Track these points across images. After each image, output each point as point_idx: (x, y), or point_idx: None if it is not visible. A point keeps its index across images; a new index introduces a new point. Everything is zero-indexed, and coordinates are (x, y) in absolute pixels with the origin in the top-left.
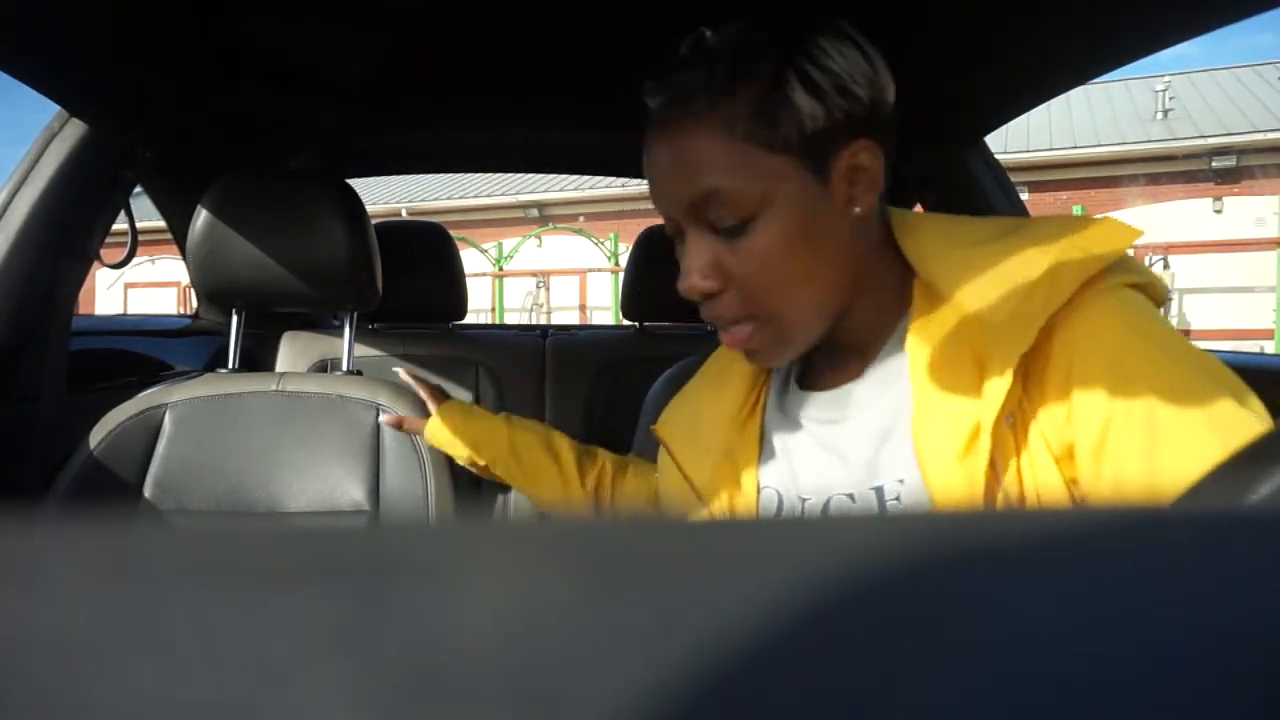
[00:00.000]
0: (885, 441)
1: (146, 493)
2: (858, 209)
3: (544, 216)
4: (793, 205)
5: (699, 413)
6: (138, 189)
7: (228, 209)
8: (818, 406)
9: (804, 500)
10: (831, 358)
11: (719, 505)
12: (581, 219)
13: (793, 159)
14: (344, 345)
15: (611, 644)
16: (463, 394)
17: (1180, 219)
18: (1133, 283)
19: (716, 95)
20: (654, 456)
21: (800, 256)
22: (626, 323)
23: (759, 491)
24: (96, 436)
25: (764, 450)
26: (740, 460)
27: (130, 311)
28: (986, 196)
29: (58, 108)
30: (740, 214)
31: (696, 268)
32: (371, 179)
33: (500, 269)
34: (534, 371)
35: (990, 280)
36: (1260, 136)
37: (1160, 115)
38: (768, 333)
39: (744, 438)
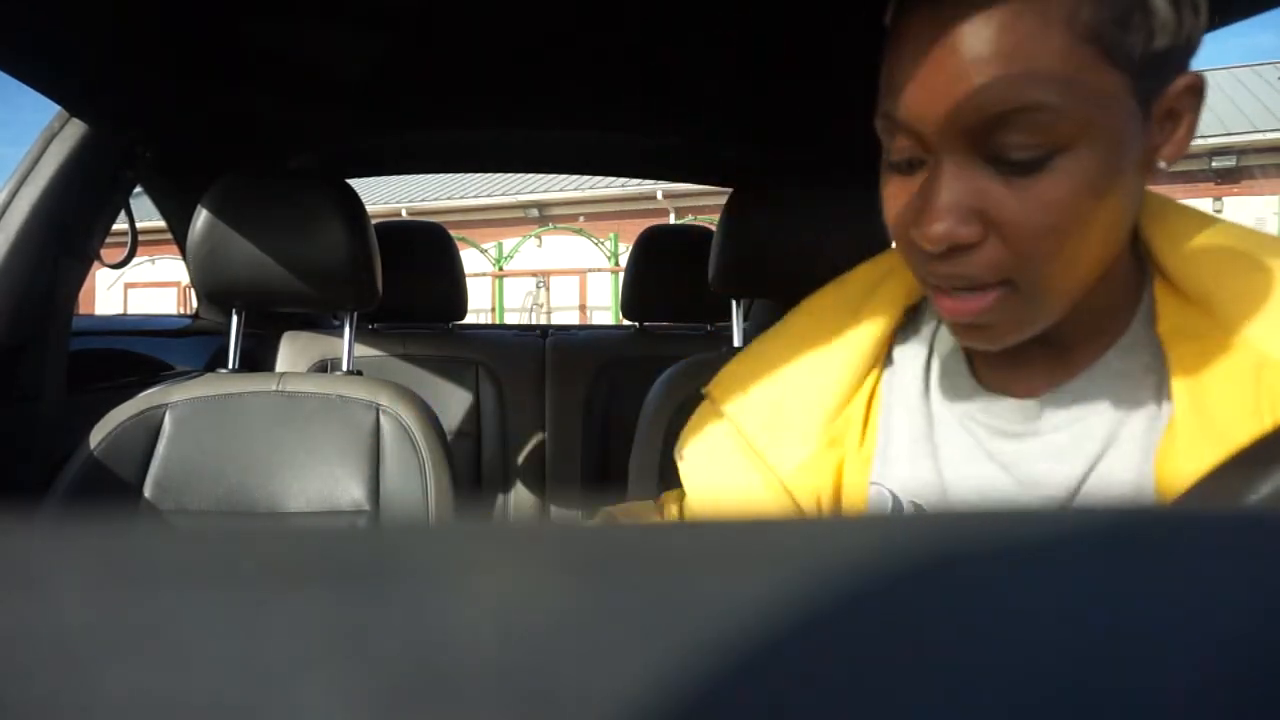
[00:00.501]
0: (1087, 473)
1: (146, 493)
2: (1163, 163)
3: (544, 216)
4: (1111, 141)
5: (787, 394)
6: (138, 189)
7: (228, 209)
8: (993, 412)
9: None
10: (1018, 352)
11: (809, 500)
12: (581, 219)
13: (1129, 79)
14: (344, 345)
15: (611, 644)
16: (463, 394)
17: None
18: None
19: None
20: (654, 459)
21: (1096, 212)
22: (626, 323)
23: (868, 487)
24: (96, 436)
25: (886, 443)
26: (848, 451)
27: (130, 311)
28: None
29: (58, 108)
30: (1047, 143)
31: (954, 207)
32: (371, 179)
33: (500, 269)
34: (534, 371)
35: None
36: (1260, 136)
37: None
38: (1016, 305)
39: (851, 426)
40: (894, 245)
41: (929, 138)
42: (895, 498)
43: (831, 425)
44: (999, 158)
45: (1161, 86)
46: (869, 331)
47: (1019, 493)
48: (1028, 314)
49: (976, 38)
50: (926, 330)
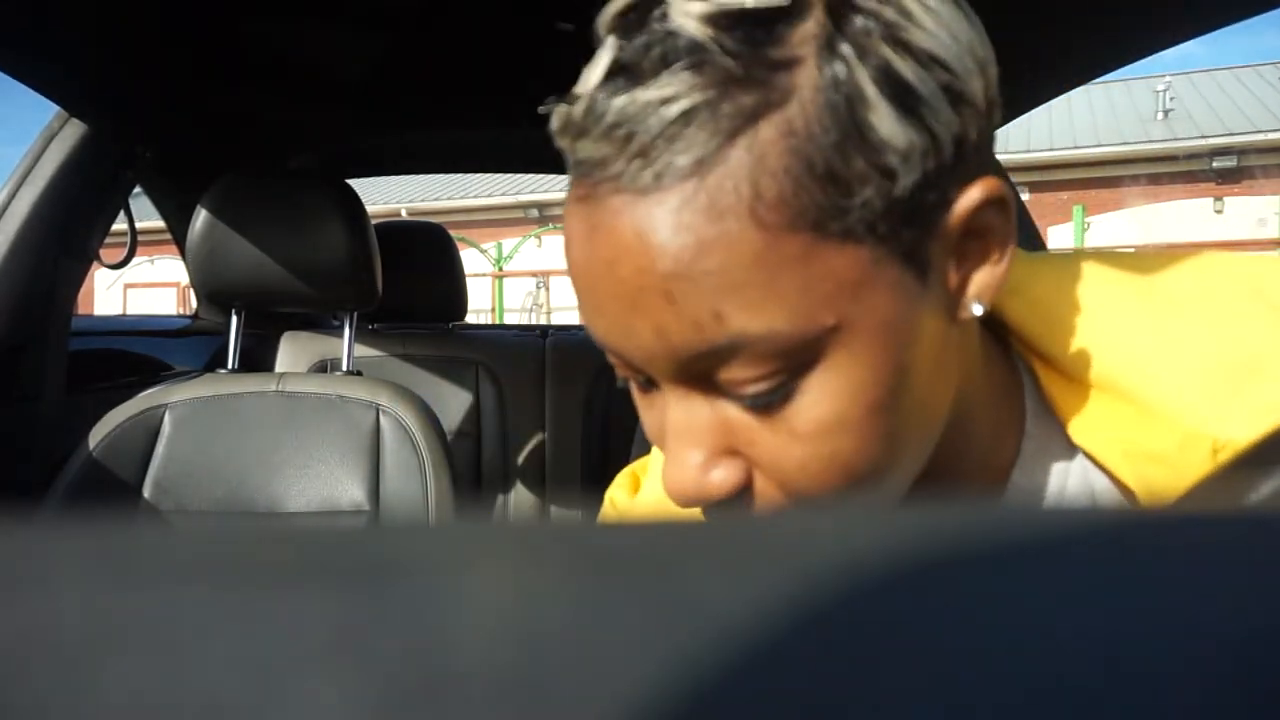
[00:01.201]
0: None
1: (146, 493)
2: (978, 304)
3: (544, 216)
4: (872, 332)
5: None
6: (137, 189)
7: (228, 209)
8: None
9: None
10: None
11: None
12: None
13: (873, 248)
14: (344, 345)
15: (611, 644)
16: (463, 394)
17: (1181, 219)
18: None
19: (721, 134)
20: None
21: (888, 411)
22: None
23: None
24: (96, 437)
25: None
26: None
27: (130, 312)
28: None
29: (58, 108)
30: (780, 370)
31: (693, 456)
32: (371, 179)
33: (500, 269)
34: (534, 371)
35: (1228, 391)
36: (1261, 137)
37: (1161, 115)
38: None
39: None
40: None
41: (641, 370)
42: None
43: None
44: (731, 394)
45: (933, 228)
46: None
47: None
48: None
49: (637, 253)
50: None
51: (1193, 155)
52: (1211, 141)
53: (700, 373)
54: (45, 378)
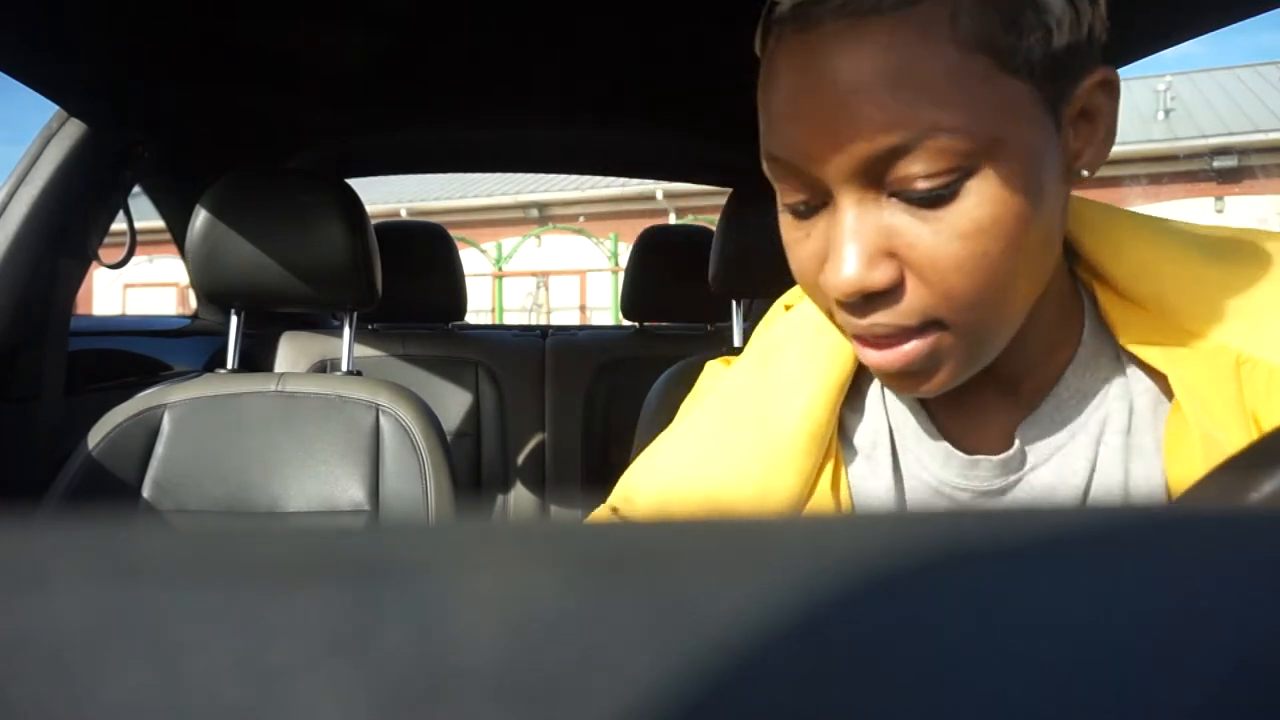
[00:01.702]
0: (1081, 501)
1: (145, 493)
2: (1085, 170)
3: (544, 216)
4: (1023, 156)
5: (717, 488)
6: (137, 189)
7: (227, 209)
8: (974, 476)
9: None
10: (968, 396)
11: None
12: (581, 219)
13: (1031, 86)
14: (344, 345)
15: (611, 644)
16: (462, 394)
17: (1181, 219)
18: None
19: None
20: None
21: (1023, 234)
22: (626, 323)
23: None
24: (95, 437)
25: None
26: None
27: (129, 312)
28: None
29: (57, 108)
30: (953, 169)
31: (861, 253)
32: (371, 179)
33: (500, 269)
34: (534, 371)
35: (1269, 323)
36: (1262, 136)
37: (1161, 115)
38: (951, 346)
39: (821, 510)
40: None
41: (821, 178)
42: None
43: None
44: (904, 191)
45: (1070, 88)
46: (815, 405)
47: None
48: (963, 353)
49: (854, 63)
50: (872, 388)
51: (1193, 155)
52: (1212, 141)
53: (882, 171)
54: (45, 378)
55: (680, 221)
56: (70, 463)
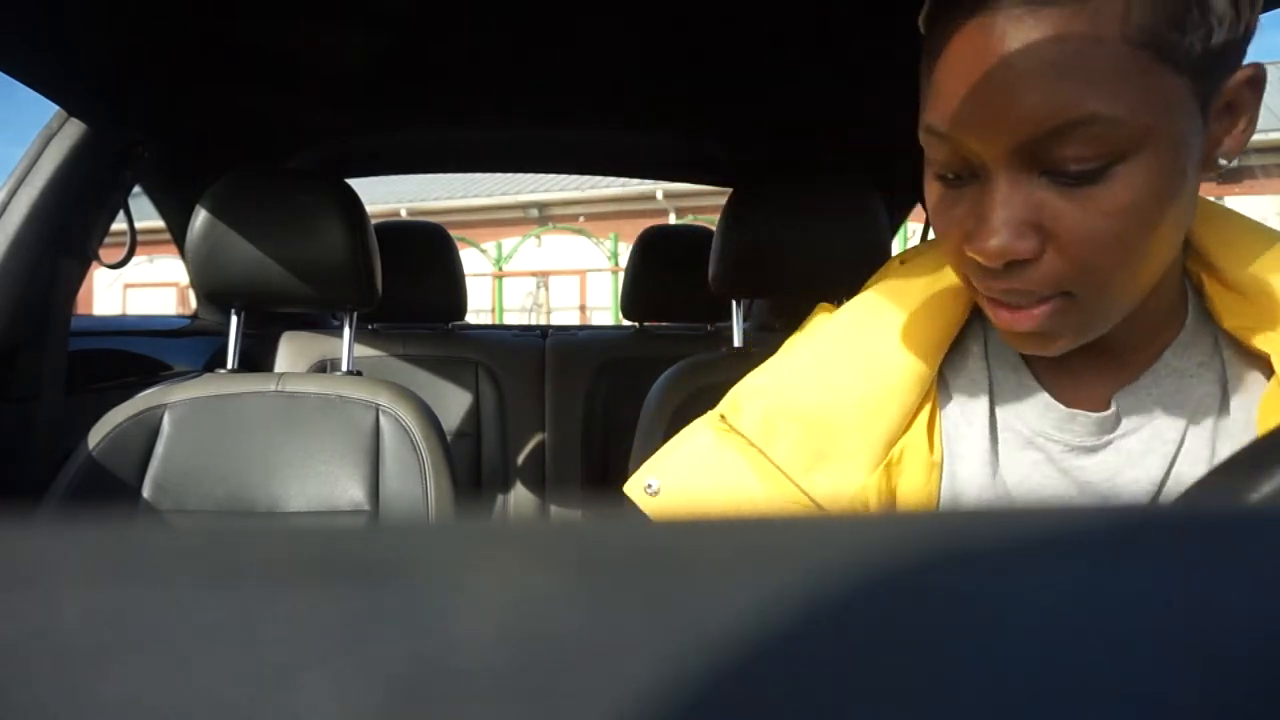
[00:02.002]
0: (1165, 475)
1: (145, 493)
2: (1224, 160)
3: (544, 216)
4: (1172, 145)
5: (828, 416)
6: (137, 189)
7: (227, 209)
8: (1069, 428)
9: None
10: (1074, 360)
11: None
12: (581, 219)
13: (1188, 81)
14: (344, 345)
15: (611, 644)
16: (463, 394)
17: None
18: None
19: None
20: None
21: (1160, 219)
22: (626, 323)
23: None
24: (95, 437)
25: (953, 471)
26: (907, 481)
27: (129, 311)
28: None
29: (57, 108)
30: (1106, 153)
31: (1010, 224)
32: (371, 179)
33: (500, 269)
34: (534, 371)
35: None
36: (1262, 136)
37: None
38: (1074, 314)
39: (910, 455)
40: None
41: (980, 153)
42: None
43: (890, 451)
44: (1055, 170)
45: (1221, 82)
46: (922, 350)
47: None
48: (1086, 322)
49: (1027, 47)
50: (976, 345)
51: None
52: None
53: (1038, 151)
54: (45, 378)
55: (680, 221)
56: (70, 463)
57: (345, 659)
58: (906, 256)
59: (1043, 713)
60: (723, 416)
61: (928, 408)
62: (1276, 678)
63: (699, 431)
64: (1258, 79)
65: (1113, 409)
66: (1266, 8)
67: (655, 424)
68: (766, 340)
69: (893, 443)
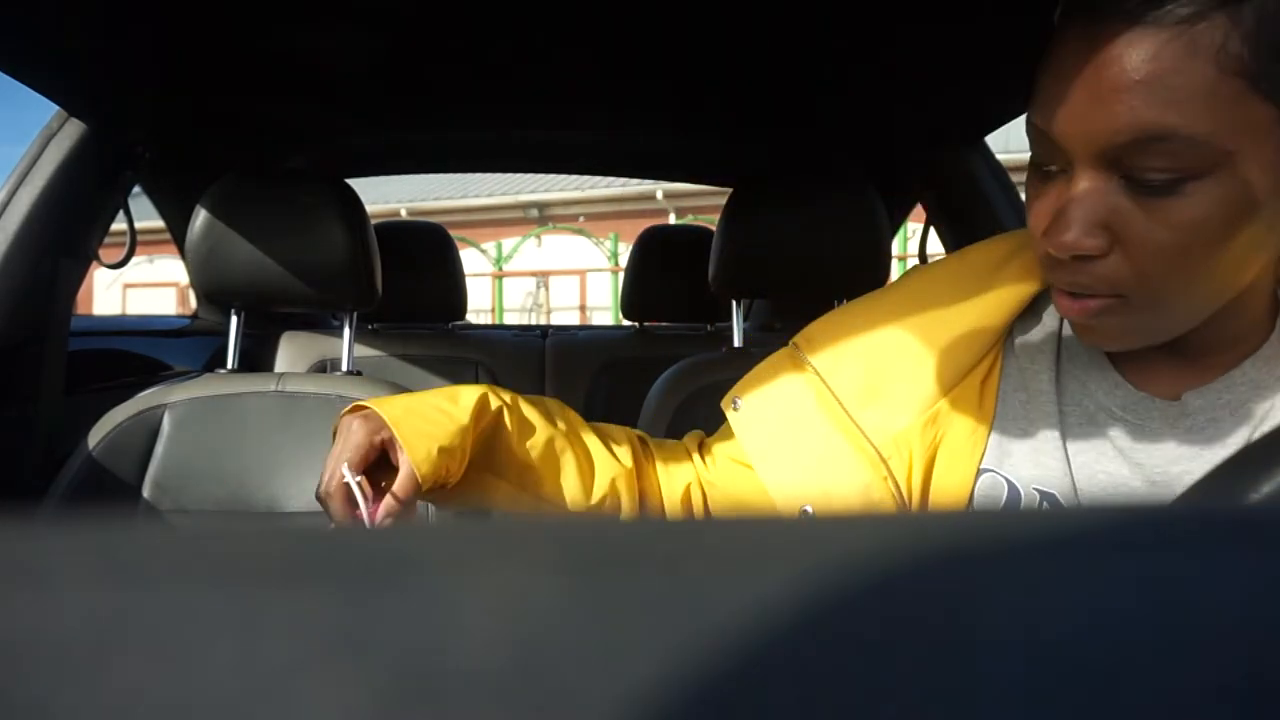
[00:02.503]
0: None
1: (145, 493)
2: None
3: (544, 216)
4: (1252, 172)
5: (891, 358)
6: (137, 189)
7: (227, 209)
8: (1135, 410)
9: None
10: (1145, 354)
11: (901, 468)
12: (581, 219)
13: (1275, 110)
14: (344, 345)
15: (611, 644)
16: None
17: None
18: None
19: (1216, 2)
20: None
21: (1228, 239)
22: (626, 323)
23: (978, 475)
24: (95, 437)
25: (1004, 430)
26: (952, 431)
27: (129, 312)
28: (987, 196)
29: (57, 108)
30: (1182, 169)
31: (1084, 220)
32: (371, 179)
33: (500, 269)
34: (534, 371)
35: None
36: None
37: None
38: (1125, 316)
39: (962, 406)
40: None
41: (1068, 152)
42: (1013, 486)
43: (938, 401)
44: (1133, 178)
45: None
46: (991, 309)
47: (1149, 494)
48: (1137, 325)
49: (1124, 62)
50: (1050, 319)
51: None
52: None
53: (1120, 158)
54: (45, 378)
55: (680, 221)
56: (70, 463)
57: (345, 659)
58: (1007, 236)
59: (1042, 712)
60: (796, 345)
61: (985, 365)
62: (1276, 677)
63: (775, 359)
64: None
65: (1182, 401)
66: None
67: (655, 424)
68: (766, 340)
69: (946, 390)
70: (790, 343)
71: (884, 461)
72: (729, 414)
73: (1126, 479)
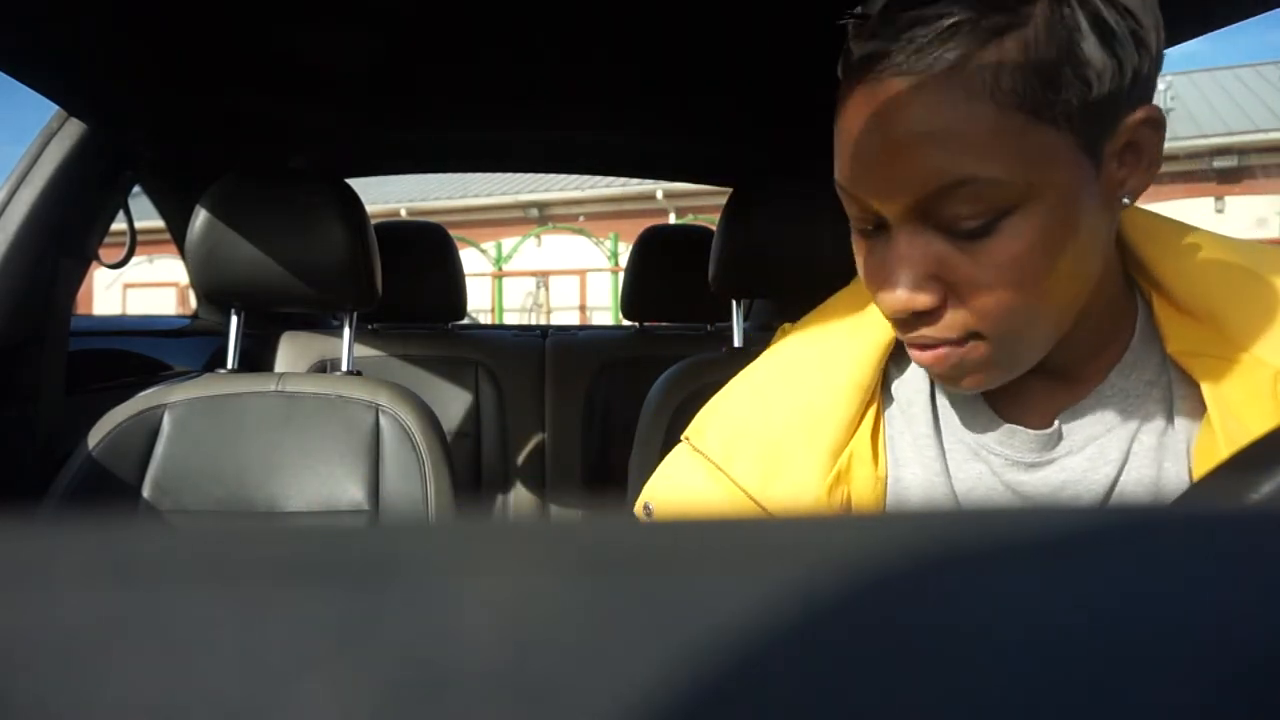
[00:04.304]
0: (1108, 493)
1: (145, 493)
2: (1126, 199)
3: (544, 216)
4: (1058, 196)
5: (780, 433)
6: (137, 189)
7: (227, 209)
8: (1011, 444)
9: None
10: (1019, 383)
11: None
12: (581, 219)
13: (1068, 135)
14: (344, 345)
15: (611, 644)
16: (463, 394)
17: (1181, 218)
18: None
19: (979, 41)
20: (654, 459)
21: (1055, 263)
22: (626, 323)
23: None
24: (95, 437)
25: (897, 479)
26: (856, 489)
27: (129, 312)
28: None
29: (57, 107)
30: (990, 210)
31: (910, 278)
32: (371, 179)
33: (500, 269)
34: (534, 371)
35: None
36: (1262, 136)
37: None
38: (987, 353)
39: (858, 463)
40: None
41: (879, 211)
42: None
43: (837, 461)
44: (947, 226)
45: (1110, 128)
46: (864, 359)
47: None
48: (1000, 361)
49: (908, 116)
50: None
51: (1193, 155)
52: (1212, 141)
53: (929, 210)
54: (45, 378)
55: (680, 221)
56: (70, 463)
57: (345, 659)
58: (852, 286)
59: (1043, 712)
60: (687, 439)
61: (871, 416)
62: (1276, 677)
63: (677, 454)
64: (1155, 120)
65: (1055, 426)
66: (1229, 20)
67: (655, 424)
68: (766, 340)
69: (839, 451)
70: (682, 438)
71: None
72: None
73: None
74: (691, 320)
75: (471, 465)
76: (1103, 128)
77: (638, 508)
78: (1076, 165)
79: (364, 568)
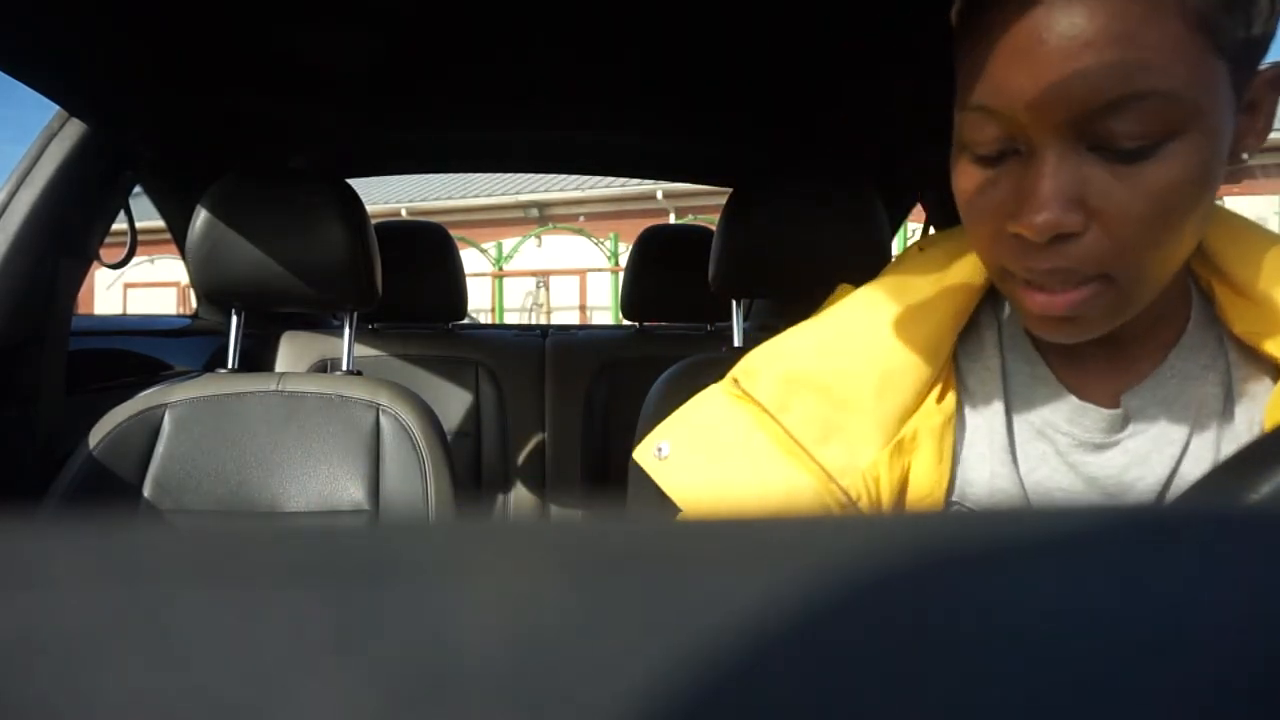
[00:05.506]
0: (1170, 476)
1: (146, 493)
2: (1246, 155)
3: (544, 216)
4: (1214, 130)
5: (843, 389)
6: (137, 189)
7: (227, 209)
8: (1080, 423)
9: None
10: (1082, 354)
11: (869, 504)
12: (581, 219)
13: (1228, 68)
14: (344, 345)
15: (611, 644)
16: (463, 394)
17: None
18: None
19: None
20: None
21: (1200, 200)
22: (626, 323)
23: (947, 508)
24: (96, 437)
25: (965, 456)
26: (920, 461)
27: (129, 311)
28: None
29: (58, 107)
30: (1159, 131)
31: (1059, 195)
32: (371, 179)
33: (500, 269)
34: (534, 371)
35: None
36: None
37: None
38: (1110, 298)
39: (925, 436)
40: (968, 234)
41: (1028, 125)
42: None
43: (901, 428)
44: (1105, 145)
45: (1251, 76)
46: (940, 324)
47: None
48: (1119, 306)
49: (1087, 22)
50: (989, 333)
51: None
52: None
53: (1089, 126)
54: (45, 377)
55: (680, 221)
56: (71, 462)
57: (345, 659)
58: (926, 243)
59: (1043, 712)
60: (736, 380)
61: (938, 390)
62: (1276, 677)
63: (710, 396)
64: (1277, 79)
65: (1121, 408)
66: None
67: (655, 423)
68: (766, 341)
69: (903, 421)
70: (729, 377)
71: (853, 502)
72: (648, 465)
73: (1082, 494)
74: (691, 320)
75: (472, 465)
76: (1249, 70)
77: (646, 448)
78: (1228, 104)
79: (364, 568)
